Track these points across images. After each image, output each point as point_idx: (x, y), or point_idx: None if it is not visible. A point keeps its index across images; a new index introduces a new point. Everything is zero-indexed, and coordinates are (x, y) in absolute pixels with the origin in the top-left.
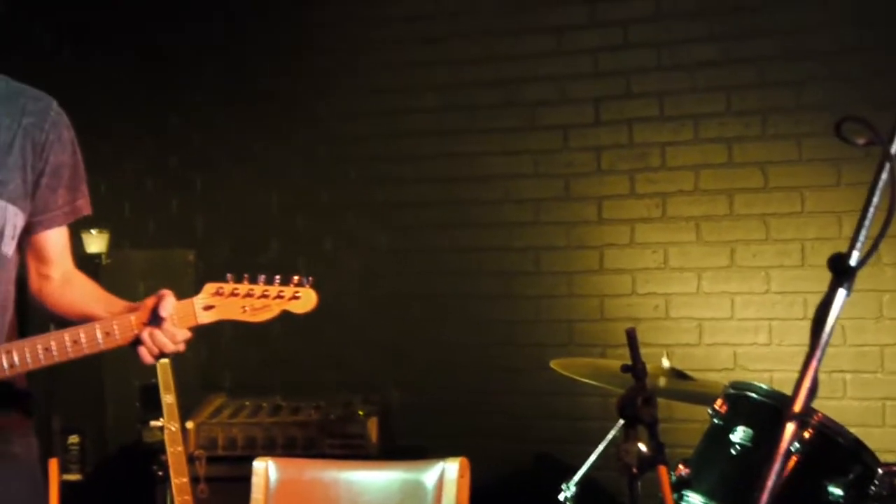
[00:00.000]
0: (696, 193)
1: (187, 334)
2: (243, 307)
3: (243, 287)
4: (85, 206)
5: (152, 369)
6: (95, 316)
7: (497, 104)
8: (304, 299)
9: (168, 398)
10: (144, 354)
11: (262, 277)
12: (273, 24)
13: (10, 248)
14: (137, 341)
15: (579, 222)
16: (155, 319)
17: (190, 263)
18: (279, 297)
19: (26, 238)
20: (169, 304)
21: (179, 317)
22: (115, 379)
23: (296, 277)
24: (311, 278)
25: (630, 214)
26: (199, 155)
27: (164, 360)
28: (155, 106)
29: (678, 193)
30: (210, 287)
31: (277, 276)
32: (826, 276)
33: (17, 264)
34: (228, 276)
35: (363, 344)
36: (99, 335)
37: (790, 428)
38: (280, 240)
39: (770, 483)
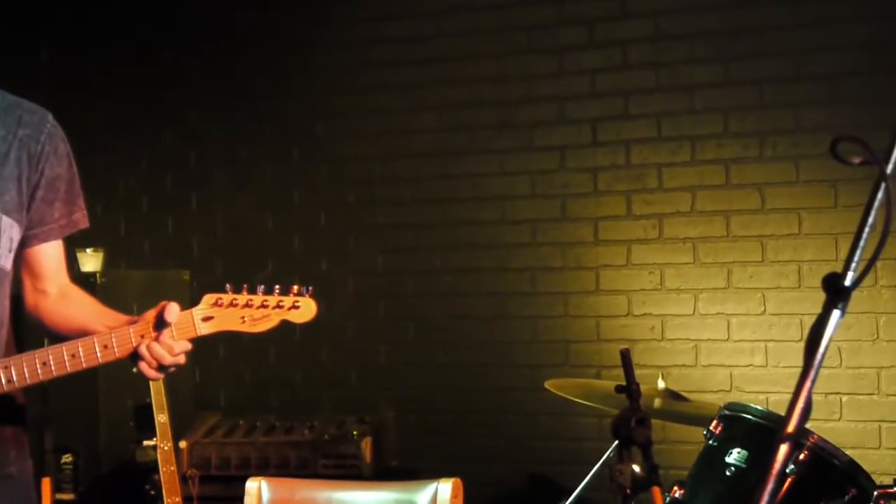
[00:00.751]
0: (692, 215)
1: (187, 346)
2: (242, 317)
3: (242, 297)
4: (82, 220)
5: (146, 389)
6: (93, 331)
7: (495, 125)
8: (304, 309)
9: (161, 417)
10: (145, 368)
11: (261, 288)
12: (273, 44)
13: (6, 261)
14: (137, 356)
15: (576, 243)
16: (160, 325)
17: (185, 283)
18: (278, 306)
19: (21, 252)
20: (174, 309)
21: (178, 328)
22: (109, 398)
23: (295, 287)
24: (310, 288)
25: (627, 235)
26: (195, 174)
27: (158, 380)
28: (151, 124)
29: (675, 214)
30: (209, 298)
31: (277, 286)
32: (823, 298)
33: (13, 279)
34: (227, 286)
35: (358, 364)
36: (97, 349)
37: (783, 449)
38: (276, 260)
39: None
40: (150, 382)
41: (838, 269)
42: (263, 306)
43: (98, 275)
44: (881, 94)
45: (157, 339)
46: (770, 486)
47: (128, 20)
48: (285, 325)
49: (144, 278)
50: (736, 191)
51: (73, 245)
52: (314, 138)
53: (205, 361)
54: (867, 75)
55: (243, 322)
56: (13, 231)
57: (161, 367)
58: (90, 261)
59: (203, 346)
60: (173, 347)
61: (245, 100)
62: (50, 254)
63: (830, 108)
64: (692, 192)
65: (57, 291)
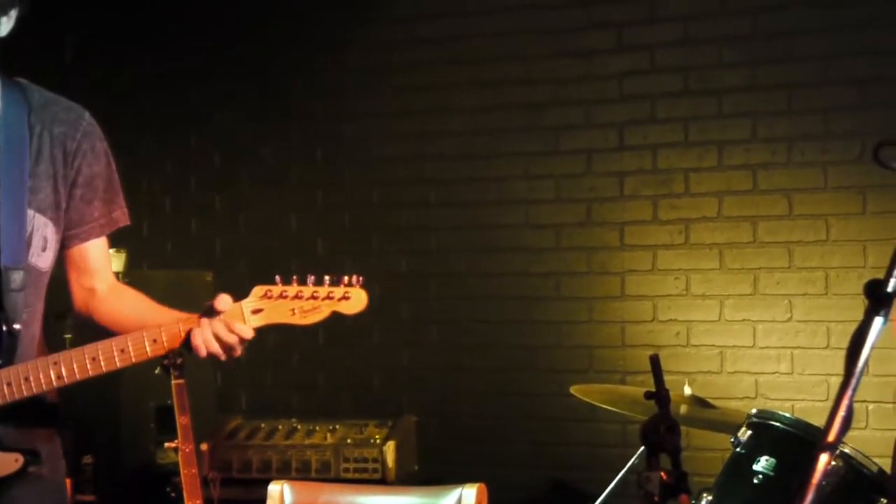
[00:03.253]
0: (719, 220)
1: (248, 331)
2: (292, 309)
3: (292, 289)
4: (122, 218)
5: (167, 391)
6: (148, 326)
7: (522, 128)
8: (355, 300)
9: (183, 419)
10: (199, 346)
11: (311, 278)
12: (300, 45)
13: (40, 259)
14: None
15: (601, 248)
16: (210, 314)
17: (208, 284)
18: (329, 297)
19: (65, 253)
20: (225, 298)
21: (228, 321)
22: (130, 399)
23: (346, 278)
24: (361, 278)
25: (652, 240)
26: (219, 175)
27: (180, 381)
28: (176, 125)
29: (701, 220)
30: (258, 290)
31: (327, 277)
32: (850, 305)
33: (48, 279)
34: (277, 277)
35: (381, 368)
36: (146, 343)
37: (823, 459)
38: (299, 262)
39: None
40: (172, 384)
41: (867, 276)
42: (314, 297)
43: (120, 275)
44: None
45: (230, 326)
46: (809, 497)
47: (155, 19)
48: (308, 329)
49: (167, 279)
50: (763, 196)
51: None
52: (340, 139)
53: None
54: None
55: (293, 314)
56: (48, 230)
57: (220, 345)
58: (112, 261)
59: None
60: (244, 331)
61: (271, 100)
62: (94, 252)
63: (859, 113)
64: (719, 197)
65: (106, 288)
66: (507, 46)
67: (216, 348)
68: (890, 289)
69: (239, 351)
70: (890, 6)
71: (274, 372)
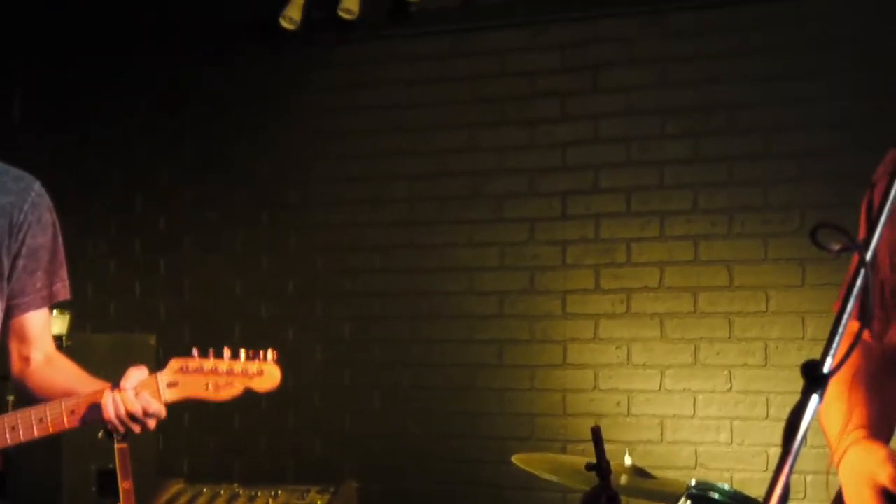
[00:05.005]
0: (660, 290)
1: (159, 408)
2: (207, 384)
3: (209, 363)
4: (62, 291)
5: (110, 454)
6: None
7: (466, 195)
8: (268, 376)
9: (126, 484)
10: (110, 414)
11: (227, 352)
12: (247, 109)
13: None
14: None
15: (544, 316)
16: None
17: (151, 347)
18: (243, 373)
19: (6, 321)
20: (134, 374)
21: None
22: (72, 462)
23: (261, 352)
24: (275, 354)
25: (594, 309)
26: (164, 238)
27: (123, 445)
28: (121, 186)
29: (643, 289)
30: (175, 363)
31: (242, 350)
32: (789, 376)
33: None
34: (194, 350)
35: (323, 433)
36: (64, 414)
37: None
38: (243, 326)
39: None
40: (115, 448)
41: (805, 347)
42: (228, 373)
43: (63, 338)
44: (849, 173)
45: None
46: None
47: (103, 81)
48: (251, 393)
49: (110, 342)
50: (704, 267)
51: None
52: (285, 204)
53: (169, 427)
54: (835, 154)
55: (207, 389)
56: None
57: (132, 419)
58: (56, 323)
59: (168, 412)
60: (151, 404)
61: (216, 164)
62: (34, 322)
63: (799, 186)
64: (660, 267)
65: (42, 358)
66: (450, 114)
67: (127, 422)
68: (825, 369)
69: (151, 425)
70: (827, 82)
71: (216, 436)
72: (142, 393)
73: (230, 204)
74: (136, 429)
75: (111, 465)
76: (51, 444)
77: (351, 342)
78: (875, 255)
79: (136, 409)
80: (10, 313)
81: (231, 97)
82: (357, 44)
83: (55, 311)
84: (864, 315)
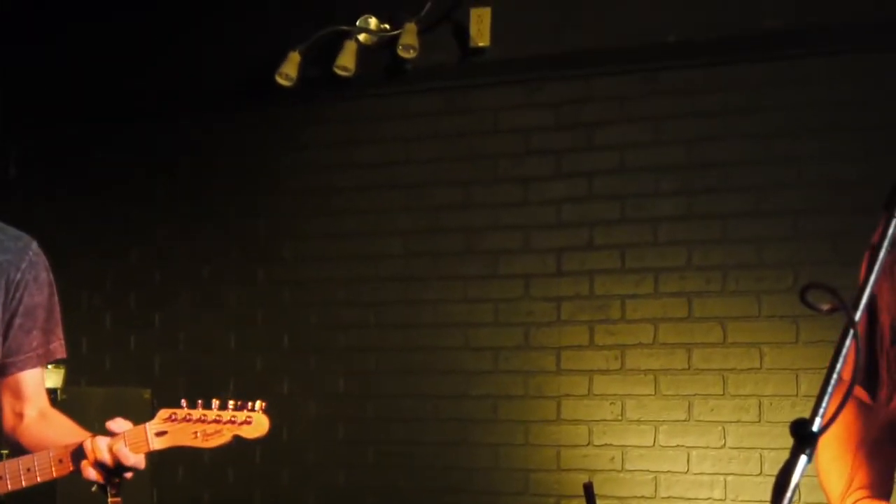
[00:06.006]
0: (654, 346)
1: (139, 460)
2: (195, 433)
3: (196, 412)
4: (59, 350)
5: None
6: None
7: (460, 251)
8: (256, 424)
9: None
10: (84, 466)
11: (216, 402)
12: (242, 166)
13: None
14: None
15: (538, 372)
16: (109, 436)
17: (146, 402)
18: (231, 421)
19: (1, 379)
20: (120, 422)
21: (132, 442)
22: None
23: (249, 403)
24: (263, 403)
25: (589, 365)
26: (159, 293)
27: (116, 499)
28: (118, 242)
29: (637, 346)
30: (163, 413)
31: (231, 402)
32: (783, 433)
33: None
34: (183, 401)
35: (317, 488)
36: (52, 463)
37: None
38: (238, 380)
39: None
40: (109, 502)
41: (799, 404)
42: (216, 421)
43: (59, 391)
44: (843, 231)
45: (110, 447)
46: None
47: (99, 137)
48: (245, 447)
49: (105, 396)
50: (698, 324)
51: None
52: (280, 260)
53: (163, 481)
54: (829, 213)
55: (195, 437)
56: None
57: (108, 472)
58: (50, 377)
59: (162, 466)
60: (129, 457)
61: (211, 219)
62: (29, 380)
63: (793, 244)
64: (654, 323)
65: (36, 414)
66: (445, 171)
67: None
68: (815, 428)
69: (128, 476)
70: (821, 142)
71: (210, 490)
72: (117, 445)
73: (225, 259)
74: (114, 480)
75: None
76: (44, 499)
77: (345, 397)
78: (876, 321)
79: (106, 459)
80: (4, 371)
81: (226, 153)
82: (352, 101)
83: (50, 366)
84: (856, 374)
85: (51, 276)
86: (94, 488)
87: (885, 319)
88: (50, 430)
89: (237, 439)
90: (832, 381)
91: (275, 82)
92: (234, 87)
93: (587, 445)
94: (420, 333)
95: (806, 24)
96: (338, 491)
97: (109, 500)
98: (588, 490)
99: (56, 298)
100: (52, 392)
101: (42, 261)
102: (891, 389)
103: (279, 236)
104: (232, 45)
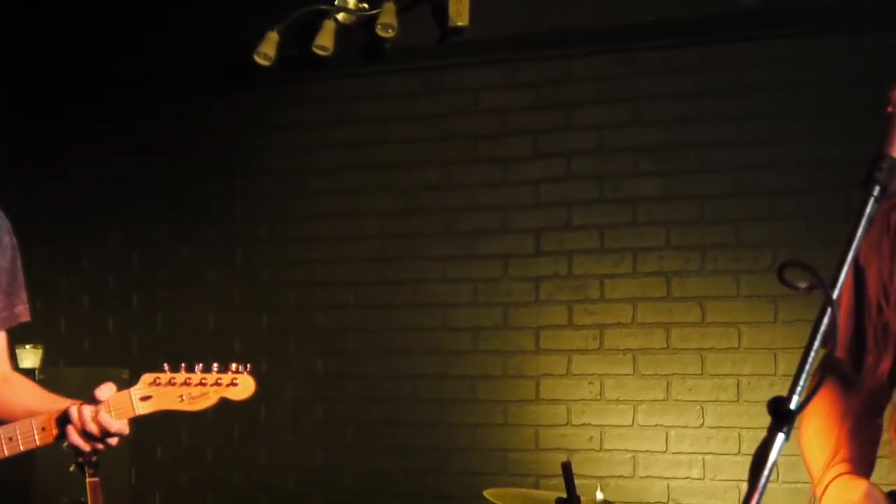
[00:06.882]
0: (633, 326)
1: (123, 426)
2: (181, 396)
3: (180, 376)
4: (23, 313)
5: (82, 488)
6: (39, 414)
7: (439, 232)
8: (242, 386)
9: None
10: (71, 433)
11: (199, 366)
12: (220, 147)
13: None
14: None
15: (517, 352)
16: (93, 402)
17: (124, 382)
18: (217, 384)
19: None
20: (107, 387)
21: (116, 408)
22: (43, 496)
23: (233, 365)
24: (248, 366)
25: (567, 345)
26: (137, 273)
27: (94, 479)
28: (95, 222)
29: (616, 325)
30: (147, 377)
31: (215, 364)
32: (761, 412)
33: None
34: (165, 365)
35: (296, 468)
36: (35, 431)
37: None
38: (216, 361)
39: None
40: (87, 481)
41: (777, 384)
42: (202, 384)
43: (36, 371)
44: (820, 212)
45: (95, 415)
46: None
47: (78, 119)
48: (224, 426)
49: (83, 376)
50: (676, 303)
51: (13, 341)
52: (258, 241)
53: (141, 461)
54: (806, 193)
55: (182, 400)
56: None
57: (90, 438)
58: (29, 357)
59: (140, 446)
60: (112, 425)
61: (189, 200)
62: None
63: (771, 224)
64: (633, 303)
65: (0, 378)
66: (423, 151)
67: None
68: (792, 406)
69: (113, 443)
70: (798, 123)
71: (188, 470)
72: (100, 414)
73: (203, 239)
74: (99, 447)
75: (83, 499)
76: (22, 478)
77: (324, 377)
78: (864, 295)
79: (93, 429)
80: None
81: (204, 133)
82: (331, 80)
83: (28, 346)
84: (831, 352)
85: (14, 239)
86: (71, 468)
87: (872, 293)
88: (13, 393)
89: (224, 401)
90: (809, 359)
91: (253, 62)
92: (212, 67)
93: (566, 425)
94: (399, 314)
95: (784, 5)
96: (317, 471)
97: (87, 479)
98: (566, 469)
99: (20, 262)
100: (29, 372)
101: (4, 223)
102: (877, 357)
103: (257, 217)
104: (210, 25)
